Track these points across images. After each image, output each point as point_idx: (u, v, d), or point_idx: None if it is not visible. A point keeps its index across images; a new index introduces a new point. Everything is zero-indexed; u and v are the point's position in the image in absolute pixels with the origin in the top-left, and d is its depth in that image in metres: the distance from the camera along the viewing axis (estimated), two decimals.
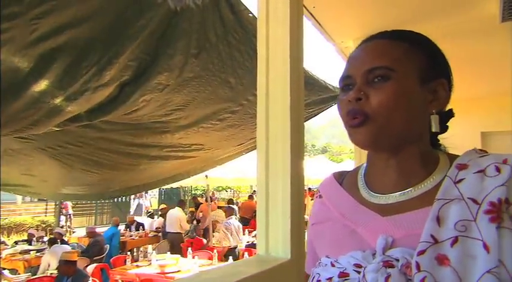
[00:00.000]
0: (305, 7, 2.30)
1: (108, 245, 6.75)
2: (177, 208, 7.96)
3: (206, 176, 7.09)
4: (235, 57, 2.14)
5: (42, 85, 1.73)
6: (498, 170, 0.54)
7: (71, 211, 12.22)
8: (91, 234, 6.72)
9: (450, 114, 0.69)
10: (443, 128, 0.70)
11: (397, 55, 0.62)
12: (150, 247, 6.37)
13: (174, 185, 10.05)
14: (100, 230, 7.89)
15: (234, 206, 9.10)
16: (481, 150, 0.62)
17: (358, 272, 0.57)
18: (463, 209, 0.53)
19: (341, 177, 0.75)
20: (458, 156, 0.62)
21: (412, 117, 0.61)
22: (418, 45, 0.65)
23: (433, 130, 0.63)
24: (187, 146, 3.29)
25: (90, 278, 4.39)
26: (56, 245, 5.92)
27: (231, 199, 12.55)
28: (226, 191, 20.29)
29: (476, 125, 4.49)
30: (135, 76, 1.89)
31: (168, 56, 1.85)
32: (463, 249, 0.51)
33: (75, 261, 4.35)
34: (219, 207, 9.94)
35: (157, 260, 5.16)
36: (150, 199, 16.89)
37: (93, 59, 1.69)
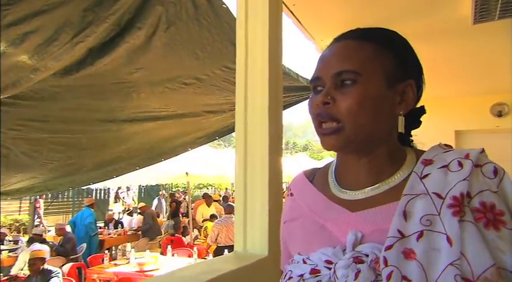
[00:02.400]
0: (285, 4, 2.30)
1: (84, 244, 6.59)
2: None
3: (186, 173, 7.04)
4: (206, 36, 2.17)
5: (10, 61, 1.74)
6: (461, 164, 0.56)
7: (42, 211, 11.87)
8: (60, 231, 6.51)
9: (422, 110, 0.70)
10: (417, 123, 0.71)
11: (364, 58, 0.62)
12: (128, 245, 6.26)
13: (153, 182, 9.91)
14: None
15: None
16: (446, 145, 0.64)
17: (329, 269, 0.57)
18: (428, 204, 0.54)
19: (312, 175, 0.76)
20: (425, 152, 0.63)
21: (379, 120, 0.62)
22: (386, 46, 0.64)
23: (399, 130, 0.64)
24: (155, 108, 3.27)
25: (60, 271, 4.30)
26: (35, 243, 5.75)
27: (225, 196, 12.53)
28: (208, 189, 20.18)
29: (450, 124, 4.64)
30: (103, 44, 1.95)
31: (136, 28, 1.90)
32: (428, 242, 0.52)
33: (44, 258, 4.27)
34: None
35: (136, 258, 5.08)
36: (133, 197, 16.62)
37: (65, 39, 1.71)
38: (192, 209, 11.06)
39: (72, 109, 2.75)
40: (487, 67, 3.77)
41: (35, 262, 4.14)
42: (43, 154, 3.34)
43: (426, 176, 0.58)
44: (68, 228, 7.06)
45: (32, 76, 1.91)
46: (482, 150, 0.58)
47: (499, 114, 4.75)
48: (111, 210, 12.76)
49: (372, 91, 0.61)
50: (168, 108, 3.37)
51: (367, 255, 0.55)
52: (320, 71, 0.65)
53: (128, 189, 16.02)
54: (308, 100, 0.67)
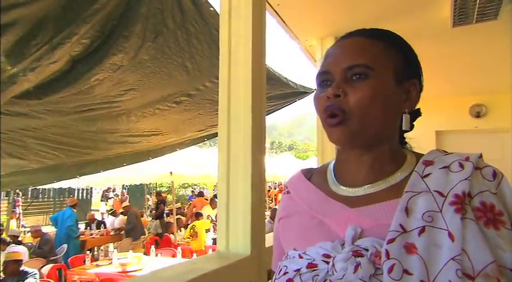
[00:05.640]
0: (269, 4, 2.31)
1: (65, 245, 6.45)
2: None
3: (171, 173, 6.98)
4: (194, 44, 2.13)
5: None
6: (462, 166, 0.57)
7: (20, 210, 11.57)
8: (36, 233, 6.33)
9: (418, 113, 0.71)
10: (411, 127, 0.72)
11: (376, 54, 0.63)
12: (111, 246, 6.16)
13: (138, 182, 9.77)
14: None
15: None
16: (443, 150, 0.65)
17: (327, 263, 0.57)
18: (430, 201, 0.55)
19: (309, 174, 0.76)
20: (423, 154, 0.65)
21: (388, 116, 0.63)
22: (394, 45, 0.66)
23: (404, 128, 0.65)
24: (145, 131, 3.22)
25: (37, 272, 4.19)
26: (12, 245, 5.58)
27: (216, 194, 12.52)
28: (193, 188, 20.05)
29: (431, 124, 4.74)
30: (88, 53, 1.86)
31: (123, 37, 1.83)
32: (430, 238, 0.52)
33: (21, 260, 4.16)
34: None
35: (118, 259, 5.00)
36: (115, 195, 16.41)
37: (44, 38, 1.65)
38: (187, 208, 11.03)
39: (63, 126, 2.71)
40: (466, 69, 3.87)
41: (9, 264, 4.00)
42: (29, 157, 3.26)
43: (427, 175, 0.59)
44: (44, 230, 6.87)
45: (12, 83, 1.83)
46: (480, 155, 0.60)
47: (478, 115, 4.89)
48: (98, 210, 12.54)
49: (382, 86, 0.61)
50: (159, 131, 3.34)
51: (366, 249, 0.55)
52: (329, 65, 0.65)
53: (114, 189, 15.84)
54: (314, 95, 0.66)
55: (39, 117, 2.34)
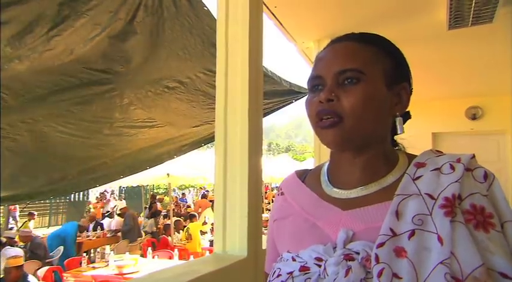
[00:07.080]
0: (266, 6, 2.32)
1: (62, 247, 6.41)
2: None
3: (168, 175, 6.97)
4: (186, 37, 2.16)
5: None
6: (452, 168, 0.58)
7: (17, 213, 11.51)
8: (26, 238, 6.21)
9: (407, 116, 0.71)
10: (401, 130, 0.72)
11: (367, 58, 0.63)
12: (108, 248, 6.12)
13: (135, 183, 9.74)
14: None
15: None
16: (437, 150, 0.66)
17: (319, 266, 0.58)
18: (420, 204, 0.55)
19: (303, 175, 0.76)
20: (416, 155, 0.65)
21: (379, 120, 0.63)
22: (385, 49, 0.66)
23: (398, 132, 0.66)
24: (139, 121, 3.20)
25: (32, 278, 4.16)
26: (8, 247, 5.53)
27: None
28: (189, 190, 20.01)
29: (427, 126, 4.76)
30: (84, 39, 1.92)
31: (118, 20, 1.89)
32: (419, 241, 0.52)
33: (22, 265, 4.11)
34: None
35: (115, 261, 4.98)
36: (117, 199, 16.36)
37: (40, 32, 1.68)
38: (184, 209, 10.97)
39: (59, 115, 2.68)
40: (461, 71, 3.90)
41: (11, 271, 3.95)
42: (27, 156, 3.23)
43: (419, 177, 0.59)
44: (37, 233, 6.80)
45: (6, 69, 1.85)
46: (473, 156, 0.60)
47: (473, 117, 4.92)
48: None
49: (374, 90, 0.62)
50: (154, 122, 3.32)
51: (357, 253, 0.55)
52: (320, 69, 0.65)
53: (112, 192, 15.79)
54: (305, 100, 0.67)
55: (33, 100, 2.33)
